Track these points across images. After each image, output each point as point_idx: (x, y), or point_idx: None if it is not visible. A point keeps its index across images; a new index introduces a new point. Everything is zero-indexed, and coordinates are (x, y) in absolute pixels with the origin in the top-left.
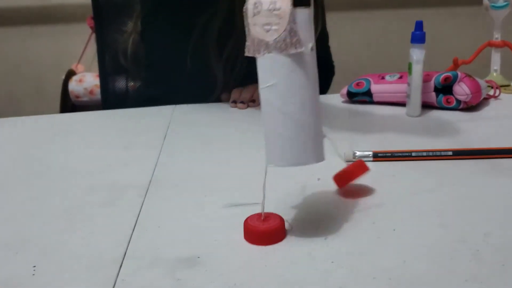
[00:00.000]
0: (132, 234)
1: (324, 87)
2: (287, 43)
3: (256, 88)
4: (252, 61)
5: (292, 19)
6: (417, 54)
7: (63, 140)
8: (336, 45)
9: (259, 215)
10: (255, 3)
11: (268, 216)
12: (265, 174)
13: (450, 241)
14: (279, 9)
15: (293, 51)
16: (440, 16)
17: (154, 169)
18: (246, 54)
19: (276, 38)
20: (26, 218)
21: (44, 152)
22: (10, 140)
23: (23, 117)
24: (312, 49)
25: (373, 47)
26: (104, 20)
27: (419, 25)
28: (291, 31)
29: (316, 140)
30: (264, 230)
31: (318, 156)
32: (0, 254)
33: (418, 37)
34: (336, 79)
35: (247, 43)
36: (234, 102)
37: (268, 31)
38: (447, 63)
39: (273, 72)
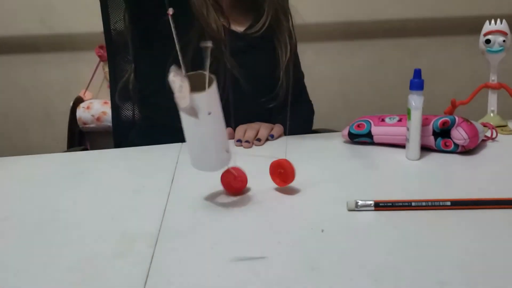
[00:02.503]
0: None
1: (307, 127)
2: (190, 111)
3: (260, 127)
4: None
5: (191, 100)
6: (415, 101)
7: (72, 183)
8: (333, 76)
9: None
10: (173, 81)
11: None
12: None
13: None
14: (183, 93)
15: (193, 117)
16: (439, 45)
17: (163, 217)
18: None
19: (184, 107)
20: (38, 270)
21: (53, 197)
22: (19, 181)
23: (33, 156)
24: (209, 113)
25: (372, 77)
26: (115, 52)
27: (417, 73)
28: (191, 106)
29: (213, 161)
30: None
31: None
32: None
33: (417, 84)
34: (338, 112)
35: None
36: (239, 141)
37: (180, 99)
38: (447, 92)
39: (183, 122)
